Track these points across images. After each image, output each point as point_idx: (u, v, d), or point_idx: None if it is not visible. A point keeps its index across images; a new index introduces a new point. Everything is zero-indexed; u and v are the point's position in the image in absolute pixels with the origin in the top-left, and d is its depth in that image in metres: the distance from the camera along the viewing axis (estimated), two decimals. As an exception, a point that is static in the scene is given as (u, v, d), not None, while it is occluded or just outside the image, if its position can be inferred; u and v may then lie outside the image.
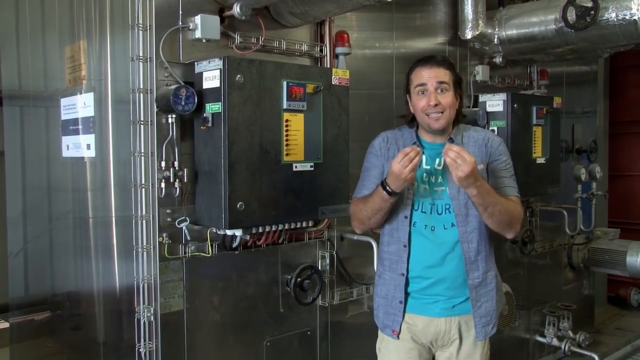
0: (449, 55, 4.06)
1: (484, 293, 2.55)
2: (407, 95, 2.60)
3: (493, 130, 4.09)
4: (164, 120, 2.64)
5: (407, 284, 2.57)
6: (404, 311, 2.57)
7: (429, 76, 2.47)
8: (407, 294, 2.58)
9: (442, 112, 2.45)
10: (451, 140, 2.52)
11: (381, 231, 2.67)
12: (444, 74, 2.47)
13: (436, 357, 2.67)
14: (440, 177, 2.52)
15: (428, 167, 2.53)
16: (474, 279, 2.53)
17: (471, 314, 2.55)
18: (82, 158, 3.03)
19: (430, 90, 2.45)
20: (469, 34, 4.04)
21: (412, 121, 2.62)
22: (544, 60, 4.61)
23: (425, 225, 2.53)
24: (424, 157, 2.51)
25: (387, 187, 2.39)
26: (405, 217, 2.54)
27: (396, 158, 2.33)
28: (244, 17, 2.73)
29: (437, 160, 2.52)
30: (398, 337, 2.59)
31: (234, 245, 2.81)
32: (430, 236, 2.52)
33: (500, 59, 4.28)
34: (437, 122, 2.47)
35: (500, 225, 2.47)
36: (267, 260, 3.04)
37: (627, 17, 3.58)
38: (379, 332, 2.71)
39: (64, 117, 3.19)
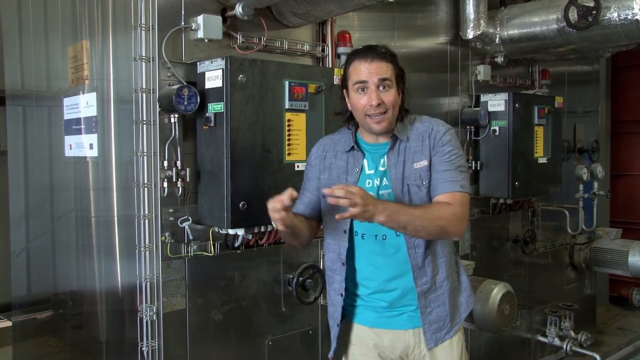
0: (450, 55, 4.07)
1: (434, 298, 2.28)
2: (344, 91, 2.28)
3: (494, 130, 4.10)
4: (166, 120, 2.64)
5: (368, 299, 2.32)
6: (368, 327, 2.35)
7: (369, 72, 2.16)
8: (369, 309, 2.34)
9: (385, 113, 2.17)
10: (394, 138, 2.25)
11: (325, 247, 2.41)
12: (385, 69, 2.17)
13: None
14: (385, 179, 2.24)
15: (371, 171, 2.27)
16: (422, 285, 2.25)
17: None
18: (85, 157, 3.04)
19: (372, 88, 2.16)
20: (470, 34, 4.04)
21: (350, 119, 2.32)
22: (546, 59, 4.61)
23: (376, 236, 2.25)
24: (365, 161, 2.27)
25: None
26: (345, 232, 2.27)
27: (271, 201, 2.08)
28: (246, 17, 2.74)
29: (382, 161, 2.26)
30: None
31: (236, 244, 2.81)
32: (382, 247, 2.25)
33: (502, 59, 4.28)
34: (379, 124, 2.19)
35: (433, 236, 2.20)
36: (269, 259, 3.04)
37: (629, 17, 3.58)
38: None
39: (66, 116, 3.20)
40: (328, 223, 2.33)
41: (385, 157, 2.25)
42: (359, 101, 2.19)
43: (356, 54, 2.22)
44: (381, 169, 2.26)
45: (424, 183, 2.21)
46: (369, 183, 2.25)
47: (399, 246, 2.24)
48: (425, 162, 2.21)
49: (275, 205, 2.07)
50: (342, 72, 2.29)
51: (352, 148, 2.29)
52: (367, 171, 2.27)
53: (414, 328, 2.30)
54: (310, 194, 2.37)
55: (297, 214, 2.32)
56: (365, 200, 1.95)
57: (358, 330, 2.38)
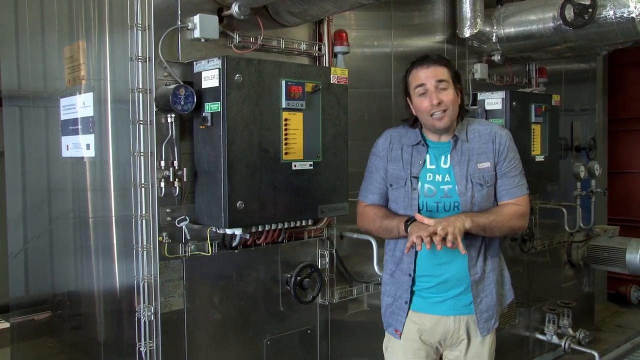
0: (447, 54, 4.07)
1: (482, 288, 2.55)
2: (407, 99, 2.59)
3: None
4: (163, 120, 2.64)
5: (413, 283, 2.57)
6: (408, 311, 2.57)
7: (426, 76, 2.45)
8: (413, 293, 2.58)
9: (445, 111, 2.44)
10: (455, 138, 2.52)
11: None
12: (442, 72, 2.46)
13: (443, 356, 2.67)
14: (447, 176, 2.51)
15: (433, 166, 2.53)
16: (474, 275, 2.52)
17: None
18: (82, 158, 3.03)
19: (431, 89, 2.44)
20: (467, 32, 4.05)
21: (414, 124, 2.61)
22: (543, 58, 4.62)
23: None
24: (427, 156, 2.53)
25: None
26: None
27: (421, 230, 2.32)
28: (242, 17, 2.74)
29: (443, 158, 2.52)
30: (400, 337, 2.59)
31: (234, 244, 2.81)
32: None
33: (499, 57, 4.28)
34: (440, 121, 2.46)
35: (504, 235, 2.56)
36: (267, 259, 3.04)
37: (625, 15, 3.58)
38: (386, 331, 2.72)
39: (63, 117, 3.19)
40: (393, 209, 2.60)
41: (449, 155, 2.51)
42: (422, 104, 2.47)
43: (415, 62, 2.52)
44: (443, 166, 2.52)
45: (486, 182, 2.49)
46: (429, 177, 2.52)
47: None
48: (488, 164, 2.51)
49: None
50: (402, 82, 2.59)
51: (419, 142, 2.56)
52: (429, 166, 2.53)
53: (455, 315, 2.54)
54: (380, 184, 2.63)
55: (380, 206, 2.64)
56: (450, 223, 2.27)
57: None
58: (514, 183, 2.55)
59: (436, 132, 2.54)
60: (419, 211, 2.51)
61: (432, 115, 2.45)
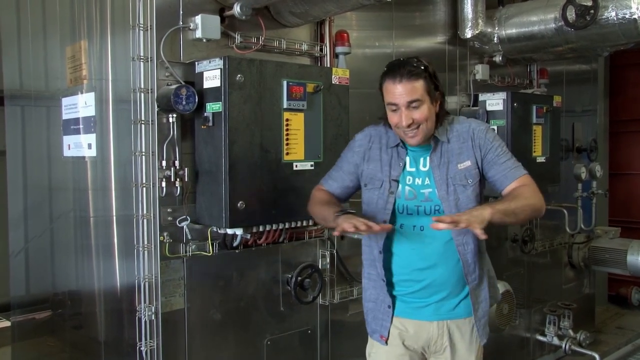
0: (448, 55, 4.07)
1: (479, 294, 2.44)
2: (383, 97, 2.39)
3: (493, 130, 4.08)
4: (164, 120, 2.64)
5: (392, 288, 2.45)
6: (392, 316, 2.46)
7: (400, 94, 2.24)
8: (395, 298, 2.46)
9: (418, 128, 2.28)
10: (435, 140, 2.37)
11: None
12: (415, 90, 2.24)
13: None
14: (427, 179, 2.37)
15: (413, 169, 2.40)
16: (472, 282, 2.41)
17: (464, 319, 2.44)
18: (83, 157, 3.04)
19: (402, 110, 2.25)
20: (468, 33, 4.05)
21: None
22: (544, 59, 4.62)
23: (414, 226, 2.38)
24: (407, 159, 2.40)
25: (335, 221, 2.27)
26: (384, 222, 2.35)
27: (358, 222, 2.14)
28: (244, 17, 2.74)
29: (422, 160, 2.39)
30: (386, 342, 2.48)
31: (235, 244, 2.81)
32: (418, 237, 2.37)
33: (500, 58, 4.28)
34: (412, 139, 2.31)
35: (529, 217, 2.48)
36: (267, 259, 3.04)
37: (626, 16, 3.58)
38: (369, 337, 2.60)
39: (65, 116, 3.20)
40: (367, 213, 2.43)
41: (428, 158, 2.38)
42: (393, 119, 2.31)
43: (388, 73, 2.29)
44: (423, 169, 2.39)
45: (469, 182, 2.36)
46: (409, 180, 2.40)
47: (436, 238, 2.36)
48: (469, 163, 2.36)
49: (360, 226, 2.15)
50: (378, 85, 2.37)
51: (398, 144, 2.41)
52: (409, 168, 2.41)
53: (438, 320, 2.42)
54: (345, 175, 2.51)
55: (329, 193, 2.53)
56: (475, 217, 2.08)
57: None
58: (508, 166, 2.38)
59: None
60: (394, 215, 2.37)
61: (404, 132, 2.30)
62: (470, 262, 2.39)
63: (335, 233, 2.26)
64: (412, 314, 2.45)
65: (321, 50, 3.21)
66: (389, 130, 2.44)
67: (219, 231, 2.72)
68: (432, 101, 2.29)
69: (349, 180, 2.51)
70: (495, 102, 4.08)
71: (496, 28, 4.18)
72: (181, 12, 2.70)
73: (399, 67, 2.27)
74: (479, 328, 2.45)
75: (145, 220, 2.62)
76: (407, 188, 2.38)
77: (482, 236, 2.10)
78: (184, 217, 2.69)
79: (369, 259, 2.50)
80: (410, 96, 2.23)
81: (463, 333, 2.45)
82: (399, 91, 2.24)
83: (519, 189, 2.35)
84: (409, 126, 2.26)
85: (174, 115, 2.63)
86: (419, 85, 2.25)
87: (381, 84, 2.33)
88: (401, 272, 2.42)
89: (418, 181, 2.39)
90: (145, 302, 2.62)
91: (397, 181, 2.37)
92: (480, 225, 2.08)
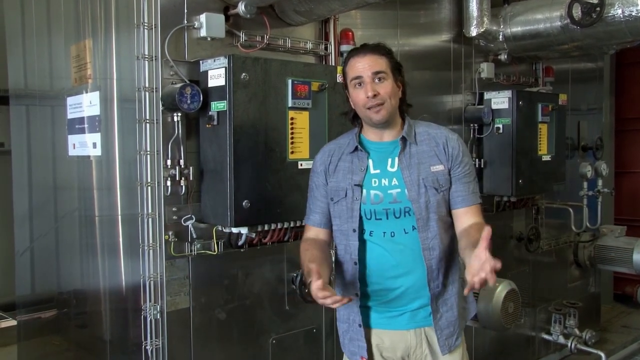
0: (453, 53, 4.06)
1: (443, 302, 2.31)
2: (346, 91, 2.34)
3: (498, 128, 4.09)
4: (169, 119, 2.64)
5: (367, 298, 2.33)
6: (368, 327, 2.34)
7: (363, 67, 2.21)
8: (369, 309, 2.34)
9: (383, 104, 2.21)
10: (404, 140, 2.28)
11: (335, 247, 2.40)
12: (379, 63, 2.22)
13: None
14: (394, 179, 2.27)
15: (377, 170, 2.29)
16: (435, 289, 2.27)
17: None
18: (88, 157, 3.04)
19: (367, 81, 2.20)
20: (473, 32, 4.03)
21: (354, 119, 2.37)
22: (549, 57, 4.60)
23: (384, 233, 2.26)
24: (370, 161, 2.29)
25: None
26: (354, 231, 2.28)
27: (319, 292, 2.02)
28: (248, 16, 2.74)
29: (389, 161, 2.29)
30: None
31: (240, 243, 2.81)
32: (390, 244, 2.26)
33: (505, 56, 4.27)
34: (377, 113, 2.21)
35: None
36: (272, 258, 3.04)
37: (633, 14, 3.56)
38: (344, 356, 2.45)
39: (69, 115, 3.20)
40: (337, 225, 2.34)
41: (397, 158, 2.28)
42: (358, 96, 2.23)
43: (351, 53, 2.29)
44: (390, 169, 2.28)
45: (441, 186, 2.26)
46: (374, 182, 2.28)
47: (407, 244, 2.26)
48: (442, 167, 2.28)
49: (325, 294, 2.04)
50: (342, 74, 2.34)
51: (356, 149, 2.31)
52: (373, 171, 2.29)
53: (415, 328, 2.31)
54: (321, 202, 2.37)
55: (313, 240, 2.36)
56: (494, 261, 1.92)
57: None
58: (469, 190, 2.30)
59: (376, 128, 2.30)
60: (361, 222, 2.27)
61: (368, 108, 2.22)
62: (434, 269, 2.26)
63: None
64: (388, 324, 2.34)
65: (326, 48, 3.20)
66: (347, 138, 2.37)
67: (224, 230, 2.72)
68: (395, 81, 2.26)
69: (326, 205, 2.37)
70: (500, 100, 4.06)
71: (501, 26, 4.17)
72: (186, 11, 2.69)
73: (363, 46, 2.29)
74: (439, 338, 2.29)
75: (150, 219, 2.62)
76: (372, 192, 2.27)
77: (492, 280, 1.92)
78: (189, 216, 2.69)
79: (340, 276, 2.39)
80: (374, 67, 2.21)
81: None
82: (363, 63, 2.22)
83: (476, 227, 2.22)
84: (374, 96, 2.19)
85: (179, 114, 2.63)
86: (383, 60, 2.24)
87: (344, 67, 2.30)
88: (375, 282, 2.30)
89: (384, 182, 2.28)
90: (150, 301, 2.62)
91: (360, 186, 2.27)
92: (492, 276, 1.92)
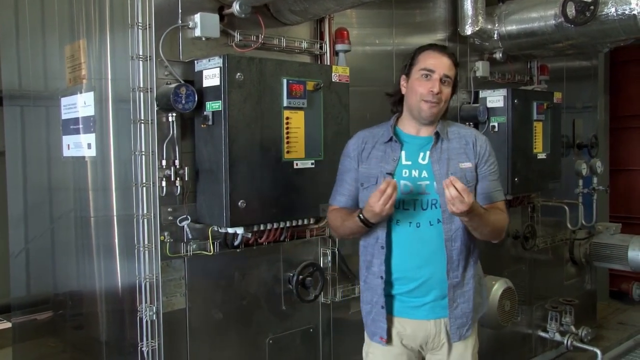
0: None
1: (461, 294, 2.44)
2: (404, 75, 2.46)
3: (493, 126, 4.09)
4: (164, 119, 2.64)
5: (391, 287, 2.45)
6: (391, 315, 2.47)
7: (439, 63, 2.37)
8: (393, 297, 2.46)
9: (439, 103, 2.37)
10: (437, 135, 2.42)
11: None
12: (451, 68, 2.39)
13: None
14: (424, 172, 2.40)
15: (409, 162, 2.42)
16: (453, 279, 2.41)
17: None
18: (83, 157, 3.03)
19: (436, 77, 2.35)
20: (468, 30, 4.03)
21: (397, 103, 2.52)
22: (544, 55, 4.61)
23: (410, 223, 2.39)
24: (403, 153, 2.42)
25: (365, 220, 2.30)
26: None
27: (374, 197, 2.20)
28: (243, 15, 2.73)
29: (421, 154, 2.42)
30: (386, 343, 2.48)
31: (236, 243, 2.81)
32: (415, 234, 2.39)
33: (500, 55, 4.27)
34: (430, 109, 2.36)
35: (484, 239, 2.44)
36: (268, 258, 3.04)
37: (626, 12, 3.57)
38: (365, 337, 2.60)
39: (64, 116, 3.19)
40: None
41: (428, 152, 2.41)
42: (420, 86, 2.37)
43: (430, 46, 2.46)
44: (421, 162, 2.42)
45: (468, 182, 2.38)
46: (405, 173, 2.42)
47: (432, 235, 2.39)
48: (469, 165, 2.43)
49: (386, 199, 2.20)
50: (408, 59, 2.47)
51: (391, 139, 2.44)
52: (404, 162, 2.43)
53: (435, 319, 2.45)
54: (350, 185, 2.50)
55: (342, 208, 2.50)
56: (468, 210, 2.15)
57: None
58: (494, 187, 2.47)
59: (418, 122, 2.44)
60: (394, 210, 2.35)
61: (425, 100, 2.36)
62: (454, 259, 2.40)
63: (386, 213, 2.24)
64: (410, 313, 2.46)
65: (321, 48, 3.20)
66: (382, 129, 2.50)
67: (219, 230, 2.72)
68: (452, 91, 2.43)
69: (355, 189, 2.49)
70: (495, 98, 4.07)
71: (496, 25, 4.17)
72: (180, 11, 2.69)
73: (444, 47, 2.45)
74: (452, 326, 2.43)
75: (145, 220, 2.62)
76: (402, 182, 2.39)
77: (450, 208, 2.17)
78: (185, 216, 2.69)
79: (366, 260, 2.50)
80: (448, 70, 2.37)
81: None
82: (440, 61, 2.37)
83: (499, 213, 2.46)
84: (438, 93, 2.34)
85: (174, 114, 2.63)
86: (454, 69, 2.41)
87: (416, 54, 2.43)
88: (398, 270, 2.43)
89: (415, 173, 2.41)
90: (146, 302, 2.61)
91: (392, 174, 2.38)
92: (463, 207, 2.14)
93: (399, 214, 2.39)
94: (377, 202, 2.20)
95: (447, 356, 2.48)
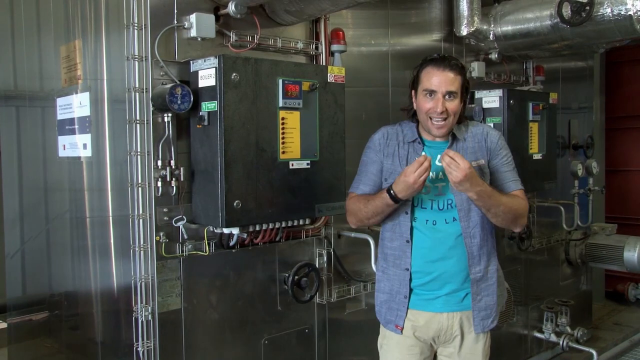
0: (444, 52, 4.06)
1: (485, 287, 2.57)
2: (413, 91, 2.57)
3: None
4: (160, 119, 2.64)
5: (410, 279, 2.57)
6: (406, 307, 2.58)
7: (439, 82, 2.42)
8: (409, 290, 2.58)
9: (446, 119, 2.44)
10: (454, 137, 2.53)
11: (382, 227, 2.67)
12: (454, 82, 2.43)
13: (438, 353, 2.68)
14: (441, 174, 2.51)
15: None
16: (476, 274, 2.54)
17: (471, 310, 2.57)
18: (79, 158, 3.03)
19: (438, 97, 2.42)
20: (464, 31, 4.04)
21: (414, 116, 2.61)
22: (540, 56, 4.61)
23: (427, 220, 2.53)
24: (423, 154, 2.51)
25: (394, 194, 2.40)
26: (406, 213, 2.55)
27: (411, 167, 2.33)
28: (239, 16, 2.73)
29: (438, 157, 2.49)
30: (402, 332, 2.59)
31: (231, 243, 2.81)
32: (430, 231, 2.53)
33: (496, 55, 4.28)
34: (439, 129, 2.47)
35: (505, 223, 2.51)
36: (264, 258, 3.04)
37: (622, 13, 3.58)
38: (381, 328, 2.71)
39: (60, 117, 3.19)
40: None
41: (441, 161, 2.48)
42: (425, 105, 2.46)
43: (430, 61, 2.48)
44: (438, 164, 2.49)
45: (482, 177, 2.46)
46: None
47: (447, 233, 2.52)
48: (483, 161, 2.53)
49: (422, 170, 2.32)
50: (413, 75, 2.55)
51: (415, 140, 2.57)
52: None
53: (448, 312, 2.55)
54: (375, 176, 2.62)
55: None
56: (466, 174, 2.25)
57: None
58: (508, 177, 2.57)
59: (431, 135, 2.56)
60: (414, 207, 2.53)
61: (431, 118, 2.46)
62: (475, 255, 2.52)
63: (418, 186, 2.35)
64: (424, 306, 2.57)
65: (317, 48, 3.20)
66: (405, 128, 2.60)
67: (215, 231, 2.72)
68: (462, 99, 2.47)
69: (379, 179, 2.61)
70: (491, 99, 4.07)
71: (492, 25, 4.18)
72: (176, 11, 2.69)
73: (444, 58, 2.47)
74: (475, 318, 2.55)
75: (141, 220, 2.61)
76: None
77: (451, 179, 2.29)
78: (180, 216, 2.68)
79: (388, 253, 2.61)
80: (450, 86, 2.41)
81: (471, 324, 2.58)
82: (442, 79, 2.42)
83: (518, 198, 2.54)
84: (442, 113, 2.41)
85: (169, 115, 2.63)
86: (459, 80, 2.45)
87: (419, 71, 2.49)
88: (414, 264, 2.55)
89: (432, 175, 2.50)
90: (142, 302, 2.61)
91: None
92: (460, 173, 2.25)
93: (417, 211, 2.53)
94: (413, 173, 2.30)
95: (458, 349, 2.58)
